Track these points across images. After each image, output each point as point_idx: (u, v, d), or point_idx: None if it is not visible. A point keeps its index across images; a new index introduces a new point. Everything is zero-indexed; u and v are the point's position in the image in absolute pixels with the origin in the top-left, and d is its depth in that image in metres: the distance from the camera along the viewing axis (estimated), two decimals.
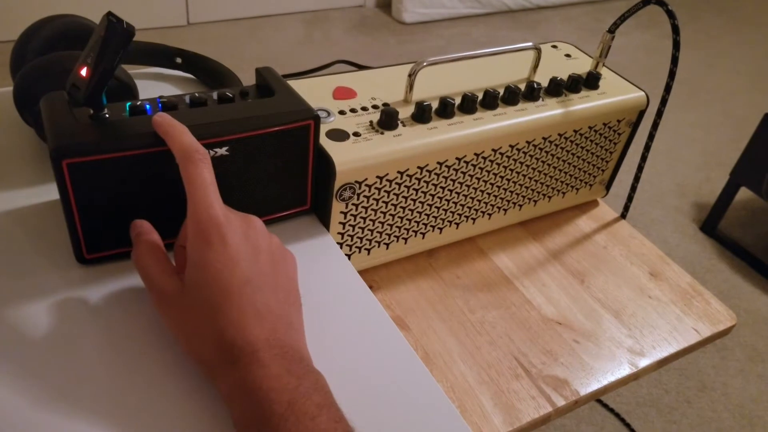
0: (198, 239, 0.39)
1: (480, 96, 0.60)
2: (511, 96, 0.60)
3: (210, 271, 0.38)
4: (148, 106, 0.46)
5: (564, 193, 0.70)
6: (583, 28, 2.94)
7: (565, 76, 0.64)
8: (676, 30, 0.62)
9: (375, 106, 0.57)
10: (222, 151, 0.46)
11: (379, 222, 0.57)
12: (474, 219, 0.64)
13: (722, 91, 2.59)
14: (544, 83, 0.63)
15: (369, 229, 0.57)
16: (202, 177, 0.40)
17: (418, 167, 0.55)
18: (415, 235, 0.61)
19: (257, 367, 0.35)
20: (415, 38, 2.66)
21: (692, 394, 1.39)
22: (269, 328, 0.38)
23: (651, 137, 0.69)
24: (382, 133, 0.54)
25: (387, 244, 0.60)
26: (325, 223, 0.54)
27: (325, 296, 0.49)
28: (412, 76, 0.58)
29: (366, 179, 0.53)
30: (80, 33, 0.59)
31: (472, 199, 0.62)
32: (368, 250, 0.59)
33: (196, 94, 0.48)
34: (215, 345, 0.37)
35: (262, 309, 0.38)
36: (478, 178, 0.61)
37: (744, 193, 1.75)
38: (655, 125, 0.68)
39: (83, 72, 0.41)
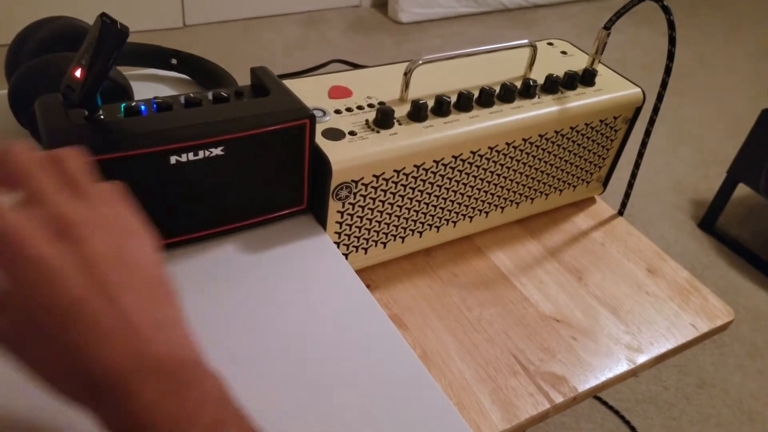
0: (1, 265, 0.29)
1: (476, 94, 0.60)
2: (507, 93, 0.60)
3: (30, 302, 0.29)
4: (143, 107, 0.46)
5: (561, 191, 0.70)
6: (580, 26, 2.94)
7: (561, 73, 0.64)
8: (671, 26, 0.62)
9: (371, 105, 0.57)
10: (217, 151, 0.46)
11: (376, 221, 0.57)
12: (471, 217, 0.64)
13: (719, 87, 2.59)
14: (540, 80, 0.63)
15: (366, 229, 0.57)
16: None
17: (415, 166, 0.55)
18: (413, 234, 0.61)
19: (126, 400, 0.28)
20: (411, 38, 2.66)
21: (691, 391, 1.39)
22: (135, 343, 0.29)
23: (647, 133, 0.69)
24: (378, 132, 0.54)
25: (384, 243, 0.60)
26: (322, 222, 0.54)
27: (323, 296, 0.49)
28: (407, 74, 0.58)
29: (362, 178, 0.53)
30: (75, 35, 0.59)
31: (469, 197, 0.62)
32: (365, 250, 0.59)
33: (191, 95, 0.48)
34: (74, 381, 0.29)
35: (113, 324, 0.29)
36: (475, 176, 0.61)
37: (742, 190, 1.75)
38: (651, 121, 0.68)
39: (78, 73, 0.41)
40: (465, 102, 0.58)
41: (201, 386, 0.30)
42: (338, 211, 0.54)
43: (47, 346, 0.29)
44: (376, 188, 0.55)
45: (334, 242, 0.56)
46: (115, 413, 0.29)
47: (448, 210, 0.62)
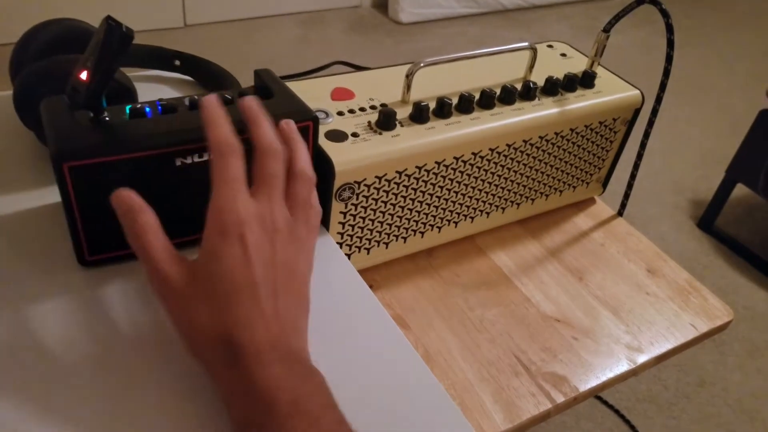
0: (215, 230, 0.38)
1: (477, 96, 0.60)
2: (508, 95, 0.61)
3: (222, 266, 0.37)
4: (147, 109, 0.46)
5: (561, 192, 0.71)
6: (578, 26, 2.95)
7: (561, 76, 0.65)
8: (670, 29, 0.62)
9: (373, 107, 0.58)
10: None
11: (379, 222, 0.58)
12: (472, 218, 0.65)
13: (718, 88, 2.59)
14: (540, 83, 0.64)
15: (368, 229, 0.58)
16: (224, 170, 0.39)
17: (417, 167, 0.56)
18: (414, 235, 0.62)
19: (260, 368, 0.35)
20: (411, 38, 2.66)
21: (691, 390, 1.40)
22: (276, 332, 0.37)
23: (647, 135, 0.69)
24: (380, 134, 0.55)
25: (386, 244, 0.60)
26: (325, 223, 0.55)
27: (326, 296, 0.49)
28: (409, 76, 0.58)
29: (365, 179, 0.53)
30: (79, 37, 0.59)
31: (471, 198, 0.63)
32: (368, 250, 0.59)
33: (196, 97, 0.48)
34: (218, 342, 0.36)
35: (270, 312, 0.38)
36: (476, 177, 0.61)
37: (740, 190, 1.75)
38: (650, 123, 0.68)
39: (83, 75, 0.42)
40: (466, 104, 0.59)
41: (316, 378, 0.37)
42: (341, 212, 0.54)
43: (211, 307, 0.37)
44: (378, 189, 0.55)
45: (337, 243, 0.56)
46: (245, 376, 0.35)
47: (449, 210, 0.62)
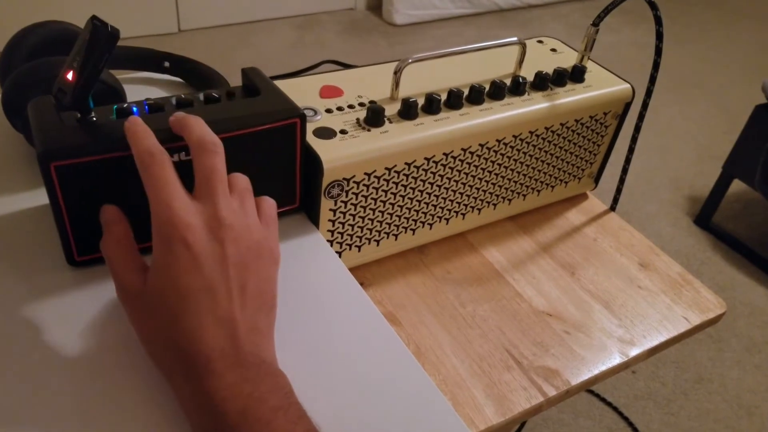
0: (158, 240, 0.37)
1: (466, 92, 0.60)
2: (497, 91, 0.61)
3: (169, 276, 0.36)
4: (135, 109, 0.46)
5: (553, 187, 0.71)
6: (574, 26, 2.95)
7: (550, 71, 0.65)
8: (658, 21, 0.62)
9: (362, 104, 0.58)
10: None
11: (369, 219, 0.58)
12: (463, 214, 0.65)
13: (714, 84, 2.60)
14: (530, 78, 0.64)
15: (359, 226, 0.58)
16: (153, 179, 0.38)
17: (406, 163, 0.56)
18: (405, 232, 0.62)
19: (210, 378, 0.34)
20: (406, 40, 2.66)
21: (689, 387, 1.40)
22: (228, 336, 0.36)
23: (637, 129, 0.69)
24: (368, 131, 0.55)
25: (377, 241, 0.60)
26: (315, 221, 0.55)
27: (317, 294, 0.49)
28: (397, 73, 0.58)
29: (354, 176, 0.53)
30: (68, 39, 0.59)
31: (461, 194, 0.63)
32: (359, 247, 0.59)
33: (183, 96, 0.48)
34: (172, 353, 0.36)
35: (223, 316, 0.36)
36: (467, 173, 0.61)
37: (737, 186, 1.76)
38: (640, 117, 0.68)
39: (69, 76, 0.42)
40: (455, 100, 0.59)
41: (271, 379, 0.36)
42: (330, 210, 0.55)
43: (162, 318, 0.36)
44: (368, 186, 0.55)
45: (327, 240, 0.56)
46: (197, 388, 0.34)
47: (440, 207, 0.62)
